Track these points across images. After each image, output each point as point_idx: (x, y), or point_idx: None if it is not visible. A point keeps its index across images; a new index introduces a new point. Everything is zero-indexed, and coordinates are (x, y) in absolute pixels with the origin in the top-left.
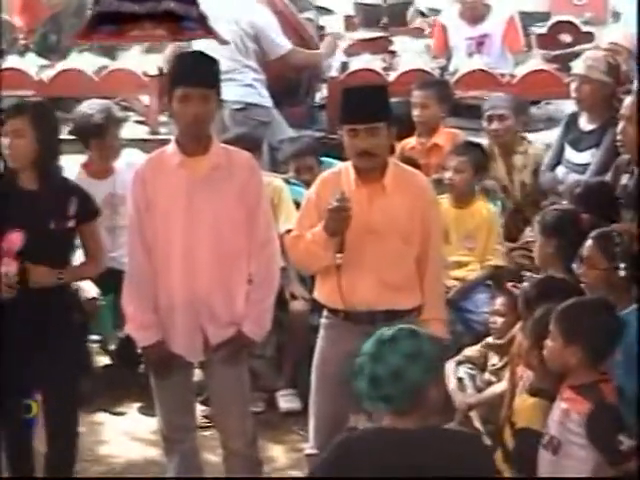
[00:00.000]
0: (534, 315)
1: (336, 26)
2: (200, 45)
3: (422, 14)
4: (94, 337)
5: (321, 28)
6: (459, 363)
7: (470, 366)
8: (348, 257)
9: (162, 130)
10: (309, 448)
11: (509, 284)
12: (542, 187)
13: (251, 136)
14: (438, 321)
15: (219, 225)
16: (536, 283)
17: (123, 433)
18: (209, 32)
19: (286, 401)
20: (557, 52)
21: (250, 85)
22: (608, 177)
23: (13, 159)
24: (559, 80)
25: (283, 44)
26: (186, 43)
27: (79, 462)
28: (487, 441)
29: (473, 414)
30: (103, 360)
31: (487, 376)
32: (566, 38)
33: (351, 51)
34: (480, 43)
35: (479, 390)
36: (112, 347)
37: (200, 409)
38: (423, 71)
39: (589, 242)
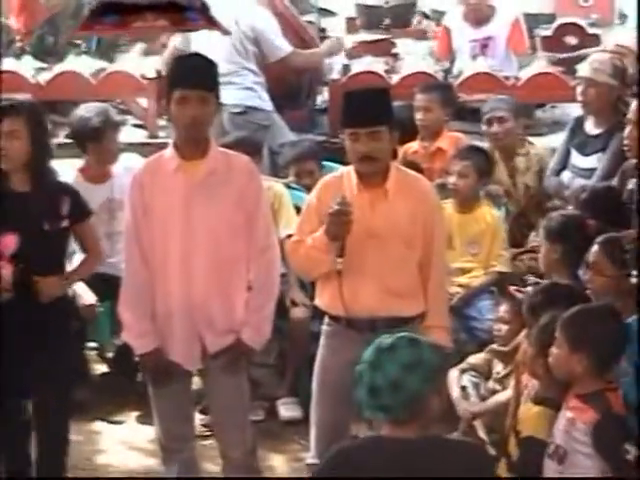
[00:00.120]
0: (539, 322)
1: (338, 28)
2: (199, 47)
3: (425, 16)
4: (91, 344)
5: (322, 30)
6: (463, 371)
7: (474, 374)
8: (350, 263)
9: (161, 134)
10: (310, 458)
11: (512, 288)
12: (547, 192)
13: (251, 140)
14: (441, 328)
15: (217, 230)
16: (541, 290)
17: (121, 442)
18: (212, 23)
19: (287, 409)
20: (562, 55)
21: (250, 88)
22: (615, 182)
23: (7, 160)
24: (564, 83)
25: (283, 46)
26: (185, 45)
27: (76, 471)
28: (491, 451)
29: (477, 423)
30: (100, 368)
31: (491, 384)
32: (572, 40)
33: (353, 53)
34: (484, 45)
35: (483, 399)
36: (110, 355)
37: (199, 418)
38: (426, 74)
39: (595, 248)
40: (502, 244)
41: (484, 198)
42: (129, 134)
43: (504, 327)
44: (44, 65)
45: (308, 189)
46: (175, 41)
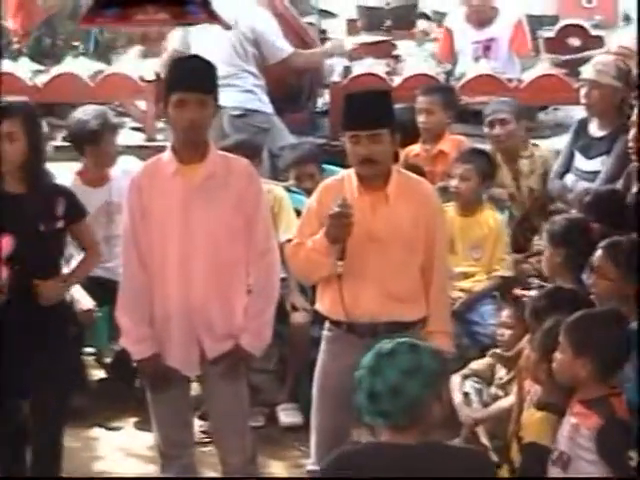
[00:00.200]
0: (542, 327)
1: (338, 30)
2: (198, 49)
3: (427, 17)
4: (89, 350)
5: (323, 32)
6: (465, 377)
7: (476, 380)
8: (350, 266)
9: (159, 137)
10: (311, 464)
11: (518, 291)
12: (551, 195)
13: (251, 143)
14: (443, 334)
15: (216, 234)
16: (544, 294)
17: (119, 449)
18: (213, 17)
19: (287, 415)
20: (566, 56)
21: (250, 91)
22: (619, 185)
23: (4, 162)
24: (568, 85)
25: (284, 47)
26: (184, 48)
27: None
28: (494, 457)
29: (480, 429)
30: (98, 374)
31: (494, 390)
32: (575, 42)
33: (354, 55)
34: (487, 47)
35: (486, 405)
36: (108, 360)
37: (198, 424)
38: (428, 76)
39: (599, 252)
40: (505, 248)
41: (487, 202)
42: (127, 137)
43: (507, 332)
44: (41, 67)
45: (308, 192)
46: (174, 43)
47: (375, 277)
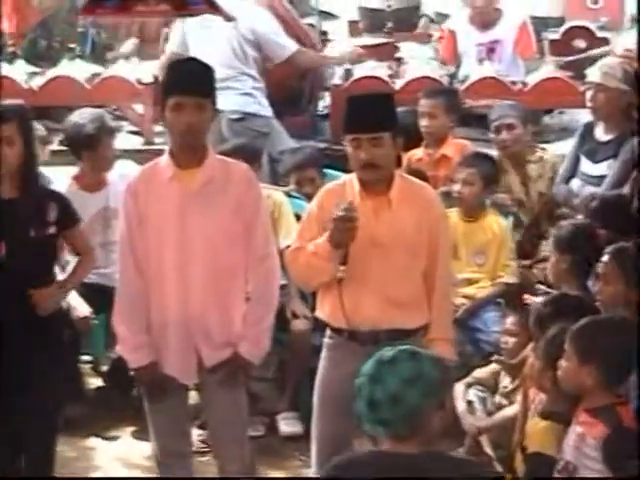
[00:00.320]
0: (547, 334)
1: (339, 31)
2: (197, 52)
3: (430, 19)
4: (86, 357)
5: (324, 34)
6: (469, 385)
7: (480, 388)
8: (352, 272)
9: (157, 140)
10: (311, 474)
11: (527, 297)
12: (556, 200)
13: (250, 147)
14: (445, 341)
15: (214, 240)
16: (549, 301)
17: (116, 459)
18: (213, 8)
19: (287, 425)
20: (571, 59)
21: (249, 94)
22: (625, 190)
23: (3, 166)
24: (573, 88)
25: (288, 45)
26: (182, 50)
27: None
28: (498, 467)
29: (483, 439)
30: (95, 382)
31: (498, 399)
32: (580, 44)
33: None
34: (491, 49)
35: (490, 414)
36: (104, 368)
37: (197, 433)
38: (431, 79)
39: (605, 258)
40: (509, 254)
41: (491, 207)
42: (125, 141)
43: (511, 340)
44: (37, 69)
45: (309, 197)
46: (172, 45)
47: (377, 283)
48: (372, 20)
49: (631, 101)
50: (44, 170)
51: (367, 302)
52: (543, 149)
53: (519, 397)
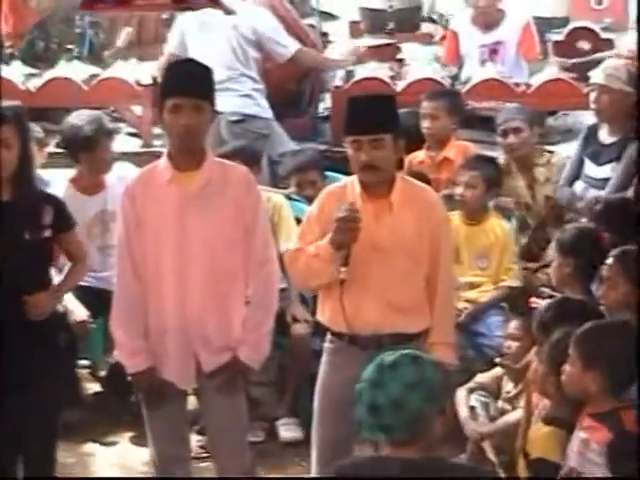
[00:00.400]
0: (550, 339)
1: (340, 32)
2: (196, 53)
3: (432, 20)
4: (83, 362)
5: (325, 34)
6: (471, 390)
7: (483, 393)
8: (352, 276)
9: (156, 143)
10: None
11: (532, 299)
12: (559, 203)
13: (250, 149)
14: (445, 345)
15: (213, 244)
16: (552, 305)
17: (114, 464)
18: (213, 1)
19: (287, 430)
20: (575, 60)
21: (249, 95)
22: (630, 193)
23: (2, 169)
24: (577, 90)
25: (290, 44)
26: (181, 51)
27: None
28: (500, 473)
29: (486, 444)
30: (93, 387)
31: (501, 404)
32: (584, 45)
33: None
34: (493, 51)
35: (492, 419)
36: (102, 373)
37: (196, 439)
38: (433, 80)
39: (610, 262)
40: (512, 257)
41: (493, 210)
42: (123, 143)
43: (514, 344)
44: (34, 71)
45: (310, 200)
46: (171, 46)
47: (378, 287)
48: (373, 21)
49: (635, 103)
50: (41, 172)
51: (368, 306)
52: (551, 152)
53: (522, 402)
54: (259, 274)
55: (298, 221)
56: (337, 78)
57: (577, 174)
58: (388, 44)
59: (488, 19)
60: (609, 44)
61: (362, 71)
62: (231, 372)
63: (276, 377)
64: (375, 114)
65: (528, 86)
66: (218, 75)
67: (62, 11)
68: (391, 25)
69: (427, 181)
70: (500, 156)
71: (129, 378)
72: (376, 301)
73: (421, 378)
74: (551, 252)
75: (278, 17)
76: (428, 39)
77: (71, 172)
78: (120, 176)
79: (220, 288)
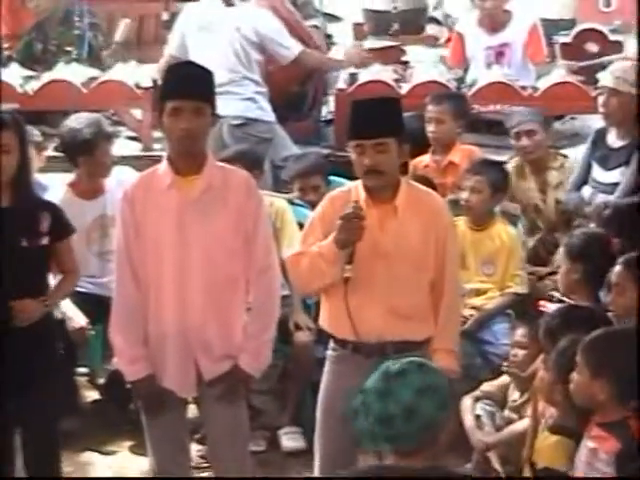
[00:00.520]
0: (557, 347)
1: (344, 34)
2: (196, 55)
3: (437, 21)
4: (82, 370)
5: (328, 36)
6: (477, 399)
7: (488, 402)
8: (356, 282)
9: (156, 146)
10: None
11: (541, 302)
12: (567, 208)
13: (252, 154)
14: (448, 352)
15: (213, 250)
16: (559, 312)
17: (113, 474)
18: None
19: (289, 439)
20: (583, 63)
21: (251, 99)
22: (639, 197)
23: (2, 175)
24: (585, 93)
25: (293, 46)
26: (181, 53)
27: None
28: None
29: (492, 454)
30: (91, 395)
31: (507, 413)
32: (592, 47)
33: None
34: (500, 53)
35: (498, 428)
36: (101, 381)
37: (196, 448)
38: (438, 83)
39: (618, 268)
40: (519, 263)
41: (500, 215)
42: (122, 146)
43: (521, 352)
44: (32, 73)
45: (313, 205)
46: (171, 48)
47: (382, 294)
48: (377, 22)
49: None
50: (40, 177)
51: (372, 313)
52: (565, 156)
53: (529, 411)
54: (260, 281)
55: (301, 226)
56: (341, 81)
57: (585, 179)
58: (392, 46)
59: (494, 21)
60: (618, 46)
61: (366, 74)
62: (232, 380)
63: (278, 385)
64: (379, 118)
65: (535, 89)
66: (220, 78)
67: (61, 12)
68: (395, 27)
69: (432, 186)
70: (509, 160)
71: (128, 386)
72: (380, 307)
73: (430, 385)
74: (559, 258)
75: (280, 19)
76: (433, 41)
77: (70, 176)
78: (120, 180)
79: (221, 295)
